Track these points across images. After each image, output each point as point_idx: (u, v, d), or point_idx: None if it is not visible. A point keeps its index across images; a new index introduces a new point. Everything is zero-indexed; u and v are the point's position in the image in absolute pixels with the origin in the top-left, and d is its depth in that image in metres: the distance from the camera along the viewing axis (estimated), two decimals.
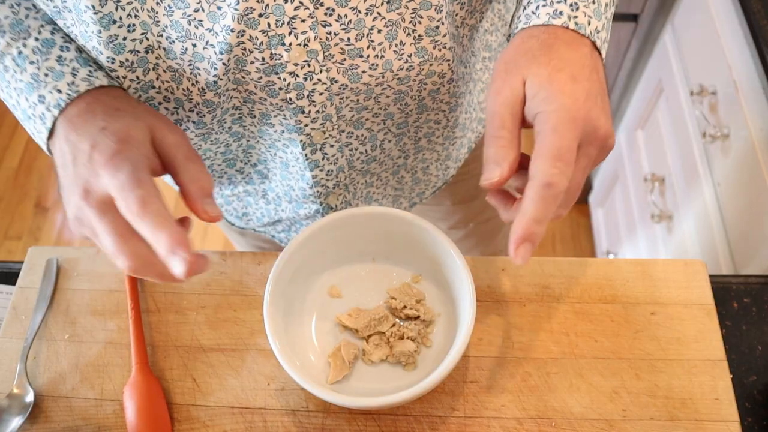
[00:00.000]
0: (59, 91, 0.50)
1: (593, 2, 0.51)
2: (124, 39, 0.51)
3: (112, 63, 0.52)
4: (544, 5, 0.50)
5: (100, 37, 0.50)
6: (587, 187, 1.77)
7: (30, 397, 0.58)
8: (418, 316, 0.60)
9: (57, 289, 0.65)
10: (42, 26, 0.53)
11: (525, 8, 0.53)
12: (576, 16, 0.50)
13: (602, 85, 0.50)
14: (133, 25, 0.50)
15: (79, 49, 0.52)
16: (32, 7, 0.53)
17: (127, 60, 0.52)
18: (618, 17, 1.23)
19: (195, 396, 0.58)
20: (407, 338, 0.59)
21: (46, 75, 0.51)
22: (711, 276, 0.63)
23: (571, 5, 0.50)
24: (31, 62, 0.52)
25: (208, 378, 0.59)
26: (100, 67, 0.53)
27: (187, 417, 0.57)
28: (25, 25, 0.52)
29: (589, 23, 0.50)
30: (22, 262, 0.67)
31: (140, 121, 0.49)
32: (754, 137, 0.89)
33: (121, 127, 0.47)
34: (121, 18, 0.49)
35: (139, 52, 0.52)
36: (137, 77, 0.54)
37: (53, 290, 0.65)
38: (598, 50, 0.51)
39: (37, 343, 0.62)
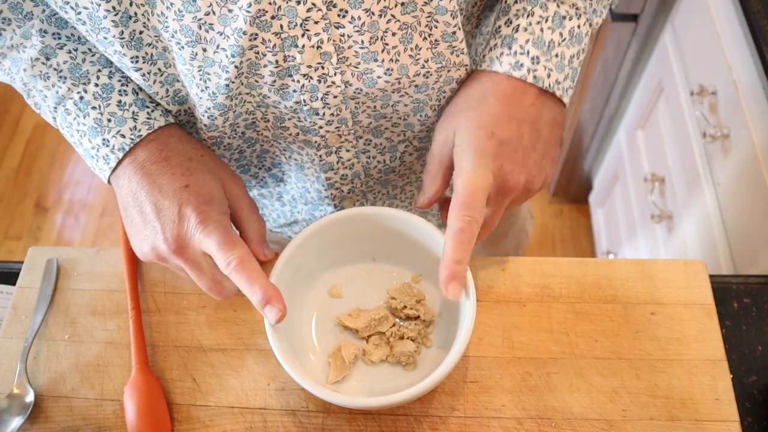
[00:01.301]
0: (123, 136, 0.55)
1: (556, 56, 0.54)
2: (141, 33, 0.50)
3: (135, 62, 0.52)
4: (507, 54, 0.54)
5: (122, 38, 0.50)
6: (587, 187, 1.77)
7: (30, 397, 0.58)
8: (418, 316, 0.60)
9: (57, 289, 0.65)
10: (100, 71, 0.57)
11: (492, 49, 0.56)
12: (536, 70, 0.54)
13: (533, 134, 0.54)
14: (147, 23, 0.50)
15: (136, 91, 0.57)
16: (89, 51, 0.57)
17: (147, 54, 0.52)
18: (618, 17, 1.23)
19: (195, 396, 0.58)
20: (407, 338, 0.59)
21: (108, 120, 0.55)
22: (711, 276, 0.63)
23: (532, 59, 0.54)
24: (93, 108, 0.56)
25: (208, 378, 0.59)
26: (156, 106, 0.58)
27: (187, 417, 0.57)
28: (83, 71, 0.56)
29: (549, 76, 0.54)
30: (22, 262, 0.67)
31: (215, 177, 0.56)
32: (754, 137, 0.89)
33: (202, 185, 0.55)
34: (136, 14, 0.49)
35: (156, 46, 0.52)
36: (159, 69, 0.54)
37: (53, 290, 0.65)
38: (560, 99, 0.56)
39: (37, 343, 0.62)
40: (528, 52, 0.54)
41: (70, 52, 0.56)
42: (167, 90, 0.56)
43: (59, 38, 0.56)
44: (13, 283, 0.66)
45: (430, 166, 0.57)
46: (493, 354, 0.59)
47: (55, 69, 0.56)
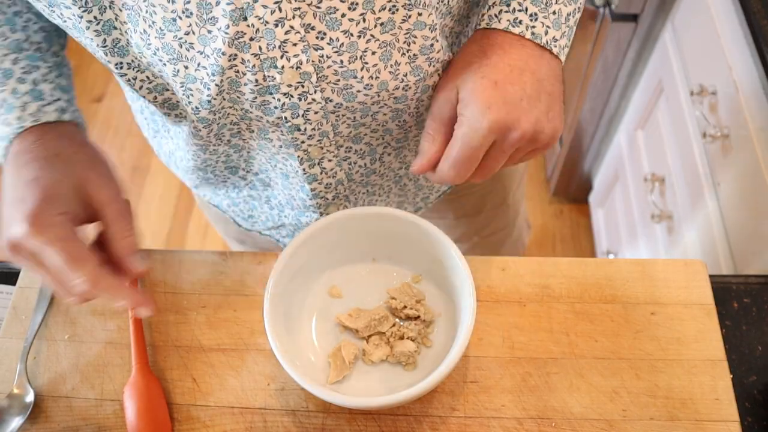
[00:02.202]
0: (8, 125, 0.53)
1: (553, 13, 0.54)
2: (126, 45, 0.50)
3: (121, 68, 0.52)
4: (506, 11, 0.54)
5: (105, 47, 0.50)
6: (587, 187, 1.77)
7: (30, 397, 0.58)
8: (418, 316, 0.60)
9: None
10: (5, 55, 0.55)
11: (490, 8, 0.56)
12: (534, 26, 0.54)
13: (537, 83, 0.54)
14: (130, 40, 0.50)
15: (37, 81, 0.55)
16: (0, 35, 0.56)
17: (134, 61, 0.52)
18: (618, 17, 1.22)
19: (195, 396, 0.58)
20: (407, 338, 0.59)
21: (0, 107, 0.54)
22: (711, 276, 0.63)
23: (531, 16, 0.54)
24: None
25: (208, 378, 0.59)
26: (56, 100, 0.56)
27: (187, 417, 0.57)
28: None
29: (546, 33, 0.54)
30: None
31: (72, 176, 0.52)
32: (754, 137, 0.89)
33: (50, 182, 0.50)
34: (119, 28, 0.49)
35: (141, 61, 0.52)
36: (147, 77, 0.53)
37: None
38: (557, 56, 0.56)
39: (37, 343, 0.62)
40: (526, 9, 0.54)
41: None
42: (155, 97, 0.56)
43: None
44: (13, 283, 0.66)
45: (430, 127, 0.56)
46: (493, 354, 0.59)
47: None
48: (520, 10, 0.54)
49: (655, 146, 1.27)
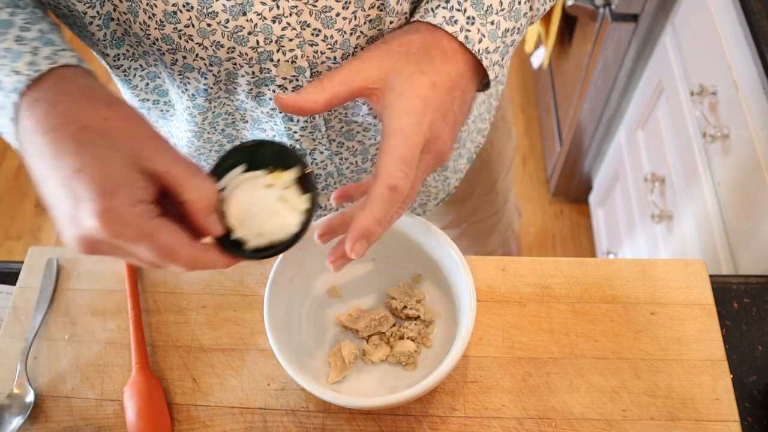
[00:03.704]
0: (17, 73, 0.43)
1: (491, 23, 0.50)
2: (123, 35, 0.51)
3: (117, 60, 0.53)
4: (444, 7, 0.50)
5: (104, 40, 0.51)
6: (587, 187, 1.77)
7: (30, 397, 0.58)
8: (418, 316, 0.60)
9: (57, 289, 0.65)
10: (0, 9, 0.46)
11: (428, 1, 0.52)
12: (469, 30, 0.49)
13: (461, 105, 0.49)
14: (129, 30, 0.50)
15: (44, 31, 0.46)
16: None
17: (128, 50, 0.53)
18: (618, 17, 1.23)
19: (195, 396, 0.58)
20: (407, 338, 0.59)
21: (3, 57, 0.44)
22: (711, 276, 0.63)
23: (468, 18, 0.49)
24: None
25: (208, 378, 0.59)
26: (68, 48, 0.46)
27: (187, 417, 0.57)
28: None
29: (480, 41, 0.50)
30: (22, 262, 0.67)
31: (118, 154, 0.41)
32: (754, 137, 0.89)
33: (100, 170, 0.40)
34: (117, 19, 0.50)
35: (137, 49, 0.53)
36: (141, 65, 0.55)
37: (53, 290, 0.65)
38: (485, 70, 0.51)
39: (37, 343, 0.62)
40: (465, 10, 0.50)
41: None
42: (147, 83, 0.57)
43: None
44: (13, 283, 0.66)
45: (337, 72, 0.48)
46: (493, 354, 0.59)
47: None
48: (458, 10, 0.50)
49: (655, 146, 1.27)
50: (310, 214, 0.48)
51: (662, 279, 0.62)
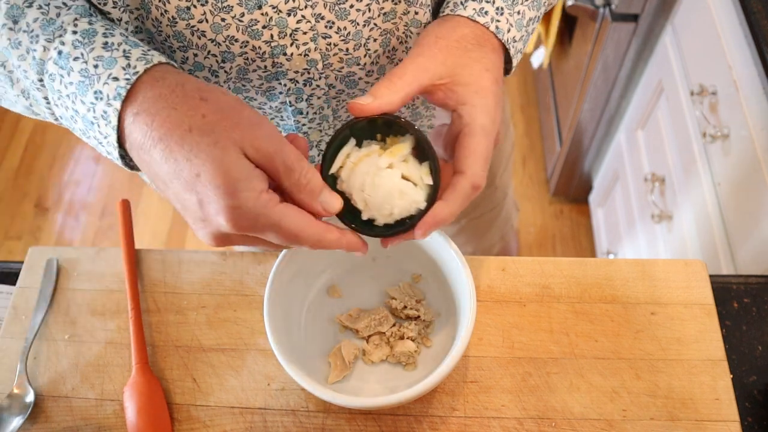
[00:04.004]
0: (116, 79, 0.43)
1: (518, 12, 0.52)
2: (135, 31, 0.51)
3: None
4: (472, 0, 0.51)
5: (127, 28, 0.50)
6: (587, 187, 1.77)
7: (30, 397, 0.58)
8: (418, 316, 0.60)
9: (57, 289, 0.65)
10: (77, 19, 0.46)
11: None
12: (498, 20, 0.51)
13: (501, 96, 0.51)
14: (141, 26, 0.51)
15: (125, 35, 0.46)
16: (63, 5, 0.47)
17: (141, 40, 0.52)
18: (618, 17, 1.22)
19: (195, 396, 0.58)
20: (407, 338, 0.59)
21: (95, 66, 0.44)
22: (711, 276, 0.63)
23: (497, 9, 0.51)
24: (75, 58, 0.44)
25: (208, 378, 0.59)
26: (152, 48, 0.47)
27: (187, 417, 0.57)
28: (57, 24, 0.45)
29: (509, 30, 0.51)
30: (22, 262, 0.67)
31: (228, 148, 0.42)
32: (754, 137, 0.89)
33: (216, 171, 0.41)
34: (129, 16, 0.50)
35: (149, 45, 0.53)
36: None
37: (53, 290, 0.65)
38: (511, 57, 0.53)
39: (37, 343, 0.62)
40: (494, 1, 0.51)
41: (40, 7, 0.46)
42: None
43: None
44: (13, 283, 0.66)
45: (405, 71, 0.47)
46: (493, 354, 0.59)
47: (25, 31, 0.45)
48: (487, 1, 0.51)
49: (655, 146, 1.27)
50: (435, 186, 0.48)
51: (662, 279, 0.62)
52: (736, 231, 0.96)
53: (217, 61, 0.52)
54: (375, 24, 0.52)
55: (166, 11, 0.48)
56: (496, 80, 0.50)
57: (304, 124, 0.60)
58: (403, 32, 0.54)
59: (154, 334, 0.62)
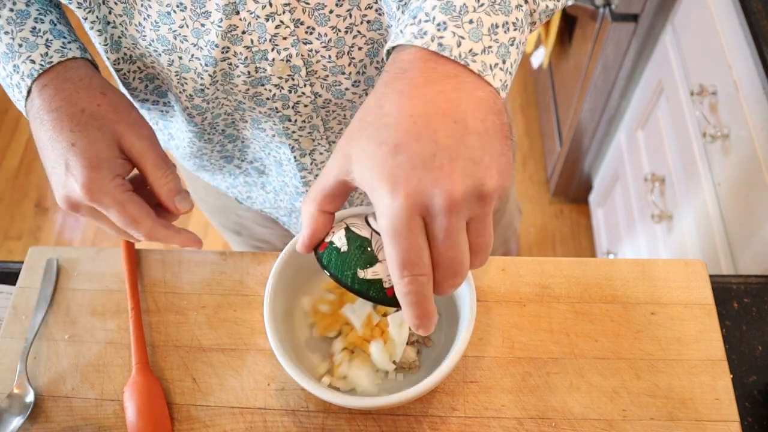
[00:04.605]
0: (32, 62, 0.52)
1: (470, 22, 0.42)
2: (120, 38, 0.53)
3: (118, 63, 0.54)
4: (411, 24, 0.43)
5: (105, 45, 0.53)
6: (587, 187, 1.77)
7: (30, 397, 0.58)
8: None
9: (57, 289, 0.65)
10: None
11: (397, 25, 0.46)
12: (442, 36, 0.41)
13: (454, 127, 0.40)
14: (125, 32, 0.52)
15: (54, 22, 0.54)
16: None
17: (126, 53, 0.54)
18: (618, 17, 1.23)
19: (195, 396, 0.58)
20: (408, 344, 0.59)
21: (20, 45, 0.53)
22: (711, 276, 0.63)
23: (438, 25, 0.42)
24: (6, 32, 0.53)
25: (208, 378, 0.59)
26: (75, 40, 0.55)
27: (187, 417, 0.57)
28: None
29: (459, 44, 0.41)
30: (22, 262, 0.67)
31: (106, 134, 0.51)
32: (754, 137, 0.89)
33: (89, 145, 0.50)
34: (114, 22, 0.52)
35: (134, 51, 0.54)
36: (139, 68, 0.56)
37: (53, 290, 0.65)
38: (482, 78, 0.42)
39: (37, 343, 0.62)
40: (434, 19, 0.42)
41: None
42: (146, 85, 0.58)
43: None
44: (13, 283, 0.66)
45: (321, 199, 0.44)
46: (493, 354, 0.59)
47: None
48: (426, 21, 0.42)
49: (655, 146, 1.27)
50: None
51: (662, 279, 0.62)
52: (736, 231, 0.96)
53: (201, 65, 0.53)
54: (358, 31, 0.51)
55: (148, 15, 0.50)
56: (395, 147, 0.39)
57: (293, 131, 0.60)
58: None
59: (154, 334, 0.62)
